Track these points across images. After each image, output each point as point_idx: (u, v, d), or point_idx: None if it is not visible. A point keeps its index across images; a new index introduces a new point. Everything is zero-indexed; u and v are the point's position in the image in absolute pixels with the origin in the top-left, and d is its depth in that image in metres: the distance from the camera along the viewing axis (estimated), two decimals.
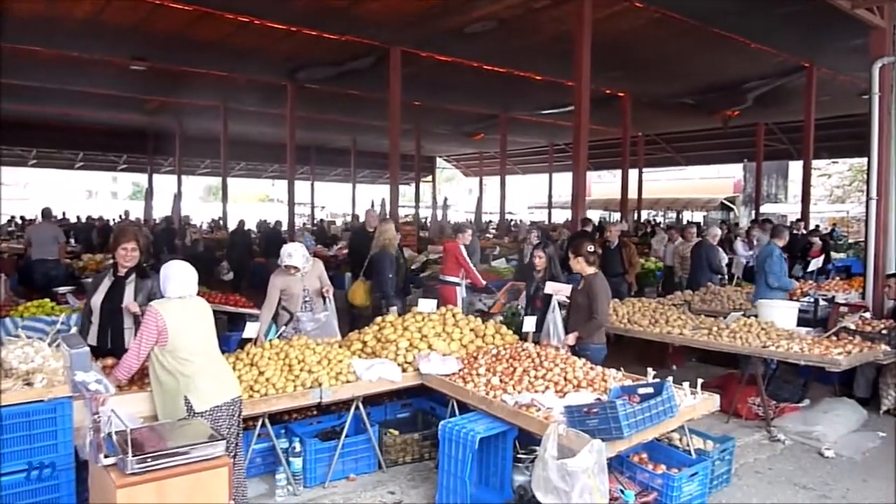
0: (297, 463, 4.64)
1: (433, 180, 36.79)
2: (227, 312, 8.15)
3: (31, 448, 3.29)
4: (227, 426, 3.80)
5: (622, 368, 5.09)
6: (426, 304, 5.85)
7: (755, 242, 11.75)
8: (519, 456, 4.33)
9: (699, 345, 6.57)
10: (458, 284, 8.25)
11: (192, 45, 12.55)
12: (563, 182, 29.91)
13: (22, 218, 23.98)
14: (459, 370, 5.07)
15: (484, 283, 8.69)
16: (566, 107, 16.76)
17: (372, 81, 14.53)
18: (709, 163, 30.24)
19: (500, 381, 4.74)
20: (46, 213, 11.90)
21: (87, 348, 3.06)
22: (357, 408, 4.87)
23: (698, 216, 33.64)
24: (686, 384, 4.63)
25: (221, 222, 22.04)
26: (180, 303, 3.85)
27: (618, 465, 4.46)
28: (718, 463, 4.72)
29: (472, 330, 5.69)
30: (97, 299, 4.64)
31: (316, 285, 5.84)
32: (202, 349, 3.84)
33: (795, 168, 30.72)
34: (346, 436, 4.84)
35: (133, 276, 4.65)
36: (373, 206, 26.74)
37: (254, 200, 51.98)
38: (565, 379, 4.66)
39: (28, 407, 3.29)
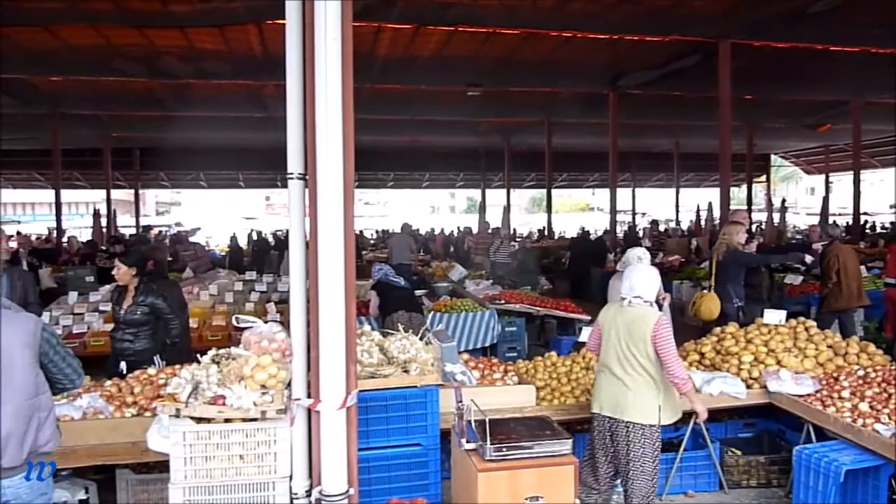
0: None
1: (767, 180, 33.42)
2: (557, 317, 8.48)
3: (407, 427, 3.86)
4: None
5: None
6: (772, 316, 5.35)
7: None
8: None
9: None
10: None
11: (519, 66, 13.36)
12: None
13: (384, 231, 28.16)
14: (816, 391, 4.54)
15: None
16: None
17: (697, 80, 13.79)
18: None
19: (871, 407, 4.13)
20: (405, 227, 13.92)
21: (455, 343, 3.47)
22: (696, 422, 4.66)
23: None
24: None
25: (546, 232, 23.01)
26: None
27: None
28: None
29: (829, 346, 5.04)
30: None
31: None
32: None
33: None
34: (685, 449, 4.67)
35: None
36: (698, 210, 25.38)
37: (575, 210, 53.20)
38: None
39: (405, 391, 3.86)
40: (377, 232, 28.89)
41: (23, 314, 2.93)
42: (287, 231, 3.36)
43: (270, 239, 21.43)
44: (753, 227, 18.88)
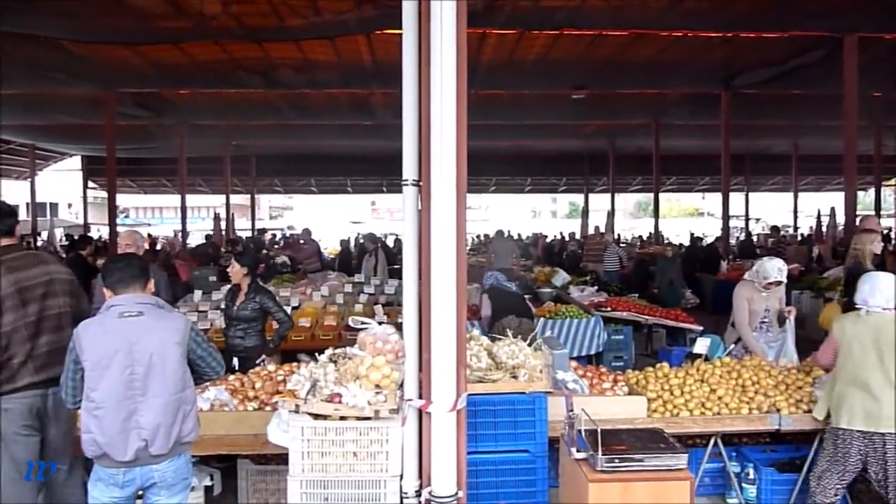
0: (751, 490, 4.41)
1: None
2: (667, 327, 8.21)
3: (515, 433, 3.85)
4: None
5: None
6: None
7: None
8: None
9: None
10: None
11: (625, 67, 13.02)
12: None
13: (485, 235, 28.25)
14: None
15: None
16: None
17: (820, 77, 12.95)
18: None
19: None
20: (499, 232, 14.06)
21: (566, 350, 3.44)
22: (822, 442, 4.38)
23: None
24: None
25: (653, 238, 22.31)
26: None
27: None
28: None
29: None
30: None
31: (777, 306, 5.50)
32: None
33: None
34: (808, 470, 4.39)
35: None
36: (819, 215, 23.78)
37: (683, 214, 51.27)
38: None
39: (513, 397, 3.85)
40: (476, 237, 28.96)
41: (174, 314, 3.20)
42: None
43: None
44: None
